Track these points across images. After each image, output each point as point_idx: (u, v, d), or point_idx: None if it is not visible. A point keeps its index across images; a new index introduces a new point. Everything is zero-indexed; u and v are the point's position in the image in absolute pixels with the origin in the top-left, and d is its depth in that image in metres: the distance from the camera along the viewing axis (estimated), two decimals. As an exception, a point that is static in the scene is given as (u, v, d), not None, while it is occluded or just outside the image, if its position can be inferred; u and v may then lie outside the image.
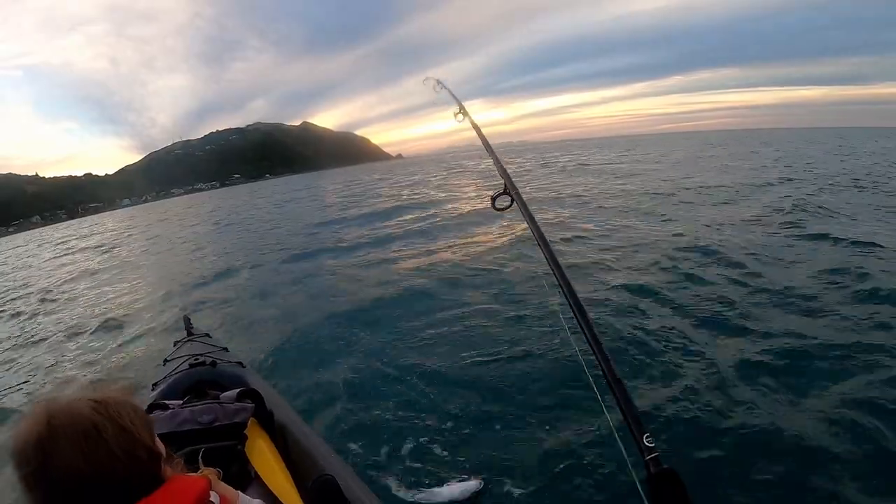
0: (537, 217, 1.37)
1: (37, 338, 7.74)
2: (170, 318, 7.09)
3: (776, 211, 9.93)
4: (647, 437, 0.86)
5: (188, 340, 3.12)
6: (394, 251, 9.88)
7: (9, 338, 8.13)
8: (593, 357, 1.06)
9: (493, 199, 1.51)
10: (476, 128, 1.79)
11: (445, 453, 3.30)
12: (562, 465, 3.07)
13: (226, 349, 2.95)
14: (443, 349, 4.87)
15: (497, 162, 1.58)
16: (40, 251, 27.79)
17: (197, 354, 2.59)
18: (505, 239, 9.50)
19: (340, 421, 3.75)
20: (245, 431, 1.70)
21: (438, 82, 2.19)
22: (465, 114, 1.83)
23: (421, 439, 3.43)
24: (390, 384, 4.24)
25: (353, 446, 3.41)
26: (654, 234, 8.76)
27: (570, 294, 1.18)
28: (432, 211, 15.53)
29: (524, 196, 1.45)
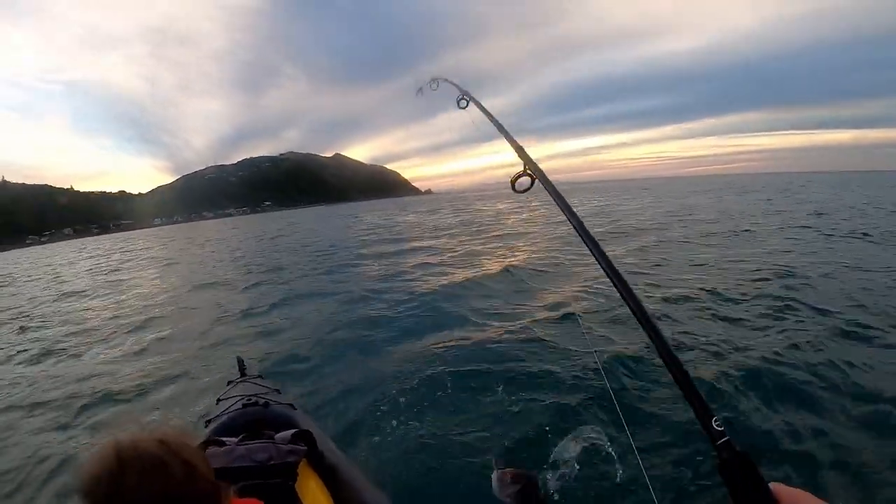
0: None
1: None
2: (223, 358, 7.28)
3: None
4: (715, 421, 0.82)
5: (241, 381, 3.28)
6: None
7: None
8: (648, 339, 0.98)
9: (513, 181, 1.43)
10: (483, 109, 1.75)
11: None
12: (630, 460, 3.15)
13: (277, 390, 3.12)
14: (485, 366, 5.02)
15: (512, 142, 1.51)
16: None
17: (250, 395, 2.72)
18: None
19: (384, 459, 3.76)
20: (297, 471, 1.81)
21: (434, 80, 2.20)
22: (470, 98, 1.82)
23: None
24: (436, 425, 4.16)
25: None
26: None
27: (609, 268, 1.11)
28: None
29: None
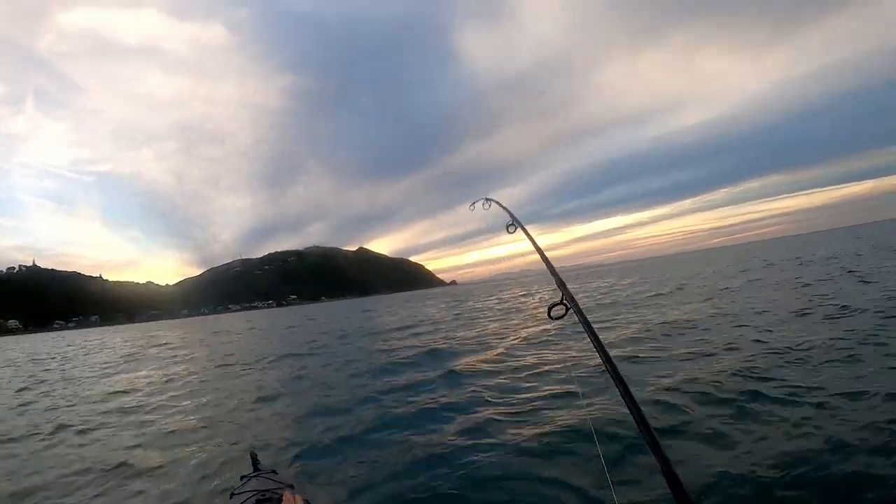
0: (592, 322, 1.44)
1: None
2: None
3: None
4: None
5: (255, 476, 3.25)
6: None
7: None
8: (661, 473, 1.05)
9: (549, 308, 1.58)
10: (529, 236, 1.93)
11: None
12: None
13: (291, 486, 3.07)
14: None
15: (552, 271, 1.68)
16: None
17: (263, 490, 2.71)
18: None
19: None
20: None
21: (487, 200, 2.40)
22: (518, 224, 2.00)
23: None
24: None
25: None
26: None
27: (631, 402, 1.23)
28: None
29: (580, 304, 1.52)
